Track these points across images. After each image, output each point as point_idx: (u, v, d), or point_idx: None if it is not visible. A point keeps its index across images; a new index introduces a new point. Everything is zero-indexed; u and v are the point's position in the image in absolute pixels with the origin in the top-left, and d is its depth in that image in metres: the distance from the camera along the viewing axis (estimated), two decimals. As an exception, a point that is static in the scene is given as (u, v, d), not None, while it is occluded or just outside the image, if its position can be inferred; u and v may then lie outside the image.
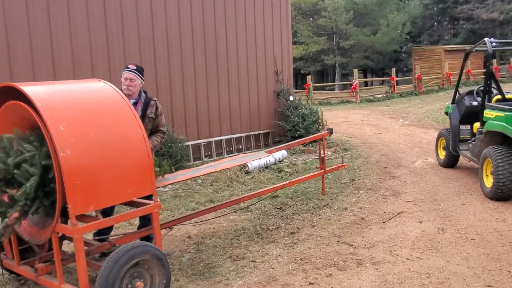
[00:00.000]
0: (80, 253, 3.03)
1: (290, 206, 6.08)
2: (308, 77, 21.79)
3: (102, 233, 4.58)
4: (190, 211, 6.10)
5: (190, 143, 9.07)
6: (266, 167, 8.52)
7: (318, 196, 6.49)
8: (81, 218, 3.29)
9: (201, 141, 9.34)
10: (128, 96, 4.39)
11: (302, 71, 33.94)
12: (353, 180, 7.36)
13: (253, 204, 6.07)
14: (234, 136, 10.03)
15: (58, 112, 3.08)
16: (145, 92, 4.54)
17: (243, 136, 10.21)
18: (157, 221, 3.47)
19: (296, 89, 22.55)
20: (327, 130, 6.44)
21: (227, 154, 9.77)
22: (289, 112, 10.83)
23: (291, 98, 10.93)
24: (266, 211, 5.93)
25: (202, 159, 9.24)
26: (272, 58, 10.92)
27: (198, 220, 5.42)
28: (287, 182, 5.76)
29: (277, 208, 6.03)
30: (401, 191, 6.59)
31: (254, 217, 5.69)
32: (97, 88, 3.51)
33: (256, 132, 10.55)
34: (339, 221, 5.39)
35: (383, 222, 5.28)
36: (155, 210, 3.46)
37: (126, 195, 3.27)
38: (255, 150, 10.39)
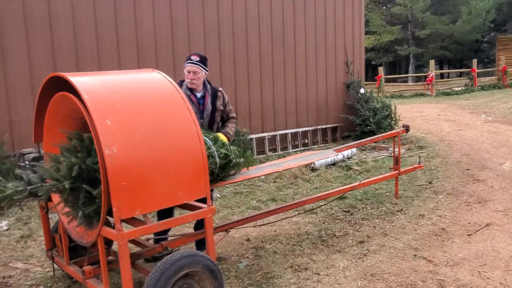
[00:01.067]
0: (125, 261, 2.74)
1: (359, 210, 5.55)
2: (380, 69, 20.73)
3: (161, 233, 4.34)
4: (251, 209, 5.76)
5: (254, 136, 8.73)
6: (334, 164, 8.00)
7: (390, 199, 5.90)
8: (130, 221, 3.01)
9: (265, 134, 8.96)
10: (194, 89, 4.10)
11: (373, 62, 32.58)
12: (430, 182, 6.66)
13: (319, 206, 5.60)
14: (300, 129, 9.56)
15: (106, 105, 2.80)
16: (209, 82, 4.23)
17: (309, 130, 9.72)
18: (210, 227, 3.12)
19: (366, 81, 21.64)
20: (403, 127, 5.81)
21: (292, 149, 9.33)
22: (359, 105, 10.19)
23: (362, 90, 10.26)
24: (333, 214, 5.44)
25: (266, 153, 8.87)
26: (343, 48, 10.29)
27: (259, 221, 5.04)
28: (356, 183, 5.24)
29: (345, 211, 5.53)
30: (487, 198, 5.82)
31: (319, 221, 5.23)
32: (150, 79, 3.21)
33: (324, 126, 10.01)
34: (415, 230, 4.79)
35: (468, 235, 4.61)
36: (209, 215, 3.11)
37: (177, 198, 2.94)
38: (321, 145, 9.87)
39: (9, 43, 6.22)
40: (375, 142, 9.40)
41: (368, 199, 5.94)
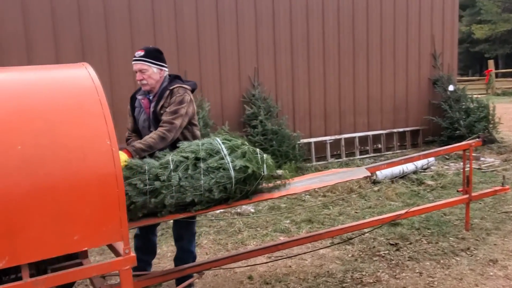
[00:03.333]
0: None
1: (410, 244, 4.29)
2: (490, 62, 18.11)
3: (141, 268, 3.57)
4: (278, 232, 4.77)
5: (313, 140, 7.65)
6: (403, 176, 6.65)
7: (458, 231, 4.53)
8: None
9: (328, 138, 7.83)
10: (149, 92, 3.28)
11: (486, 55, 29.00)
12: (522, 209, 5.10)
13: (361, 234, 4.45)
14: (371, 133, 8.26)
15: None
16: (176, 78, 3.34)
17: (383, 134, 8.36)
18: (127, 284, 2.24)
19: (472, 76, 19.00)
20: (479, 138, 4.40)
21: (360, 155, 8.08)
22: (447, 105, 8.57)
23: (451, 87, 8.61)
24: (373, 247, 4.25)
25: (327, 160, 7.74)
26: (429, 37, 8.73)
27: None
28: (402, 212, 3.99)
29: (391, 245, 4.30)
30: None
31: (352, 256, 4.09)
32: (64, 78, 2.41)
33: (401, 130, 8.57)
34: (476, 286, 3.46)
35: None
36: (124, 267, 2.24)
37: (70, 244, 2.11)
38: (398, 151, 8.45)
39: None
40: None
41: (428, 228, 4.63)
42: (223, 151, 2.91)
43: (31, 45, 5.79)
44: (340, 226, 3.63)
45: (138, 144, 2.99)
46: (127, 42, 6.34)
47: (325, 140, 7.80)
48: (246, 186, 2.93)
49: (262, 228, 4.97)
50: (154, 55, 3.21)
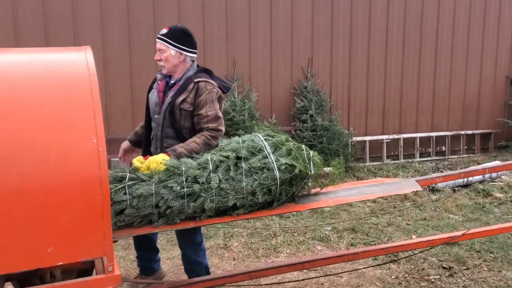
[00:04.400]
0: None
1: (467, 269, 3.70)
2: None
3: (146, 266, 3.32)
4: (316, 240, 4.34)
5: (368, 138, 7.07)
6: (466, 185, 5.94)
7: (528, 258, 3.87)
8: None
9: (385, 137, 7.20)
10: (170, 75, 2.92)
11: None
12: None
13: (411, 255, 3.91)
14: (434, 134, 7.51)
15: None
16: (205, 71, 2.92)
17: (448, 136, 7.59)
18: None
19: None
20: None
21: (420, 157, 7.38)
22: (525, 107, 7.63)
23: (531, 87, 7.65)
24: (422, 269, 3.71)
25: (383, 160, 7.13)
26: (510, 29, 7.77)
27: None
28: (458, 233, 3.39)
29: (443, 268, 3.73)
30: None
31: (395, 278, 3.57)
32: (52, 63, 2.11)
33: (470, 132, 7.74)
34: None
35: None
36: (106, 287, 1.92)
37: (41, 257, 1.82)
38: (464, 155, 7.65)
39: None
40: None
41: (490, 252, 4.00)
42: (266, 149, 2.61)
43: (78, 26, 5.67)
44: (379, 246, 3.13)
45: (179, 148, 2.67)
46: (174, 26, 6.07)
47: (382, 139, 7.18)
48: (292, 188, 2.62)
49: (299, 233, 4.55)
50: (178, 36, 2.82)
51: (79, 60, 2.11)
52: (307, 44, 6.72)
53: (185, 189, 2.41)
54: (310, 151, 2.73)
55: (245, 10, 6.34)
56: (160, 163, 2.49)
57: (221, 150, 2.62)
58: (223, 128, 2.78)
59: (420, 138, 7.40)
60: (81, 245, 1.87)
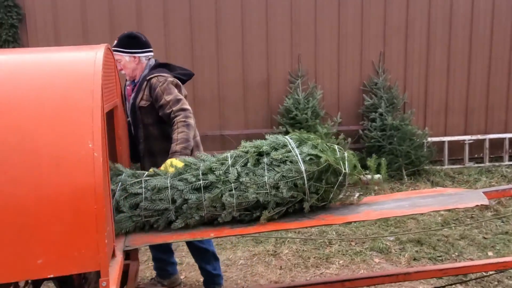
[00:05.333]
0: None
1: (551, 298, 3.13)
2: None
3: (161, 268, 3.24)
4: (375, 251, 3.96)
5: (447, 138, 6.42)
6: None
7: None
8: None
9: (467, 137, 6.50)
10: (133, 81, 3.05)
11: None
12: None
13: (485, 276, 3.39)
14: (527, 134, 6.66)
15: None
16: (161, 66, 2.99)
17: (544, 137, 6.69)
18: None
19: None
20: None
21: (508, 160, 6.58)
22: None
23: None
24: (495, 294, 3.20)
25: (464, 163, 6.44)
26: None
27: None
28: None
29: (521, 295, 3.20)
30: None
31: (460, 303, 3.11)
32: (57, 62, 2.00)
33: None
34: None
35: None
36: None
37: (31, 269, 1.70)
38: None
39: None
40: None
41: None
42: (290, 143, 2.42)
43: (142, 24, 5.73)
44: (437, 267, 2.71)
45: (175, 147, 2.65)
46: (237, 23, 5.93)
47: (464, 140, 6.48)
48: (322, 183, 2.35)
49: (358, 242, 4.20)
50: (125, 42, 2.92)
51: (87, 59, 2.00)
52: (378, 37, 6.25)
53: (201, 181, 2.27)
54: (345, 152, 2.48)
55: (311, 1, 6.02)
56: (174, 164, 2.41)
57: (241, 148, 2.49)
58: (188, 107, 2.79)
59: (510, 139, 6.59)
60: (73, 258, 1.74)
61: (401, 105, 6.16)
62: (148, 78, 2.87)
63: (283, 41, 6.02)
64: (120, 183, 2.34)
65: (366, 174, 2.54)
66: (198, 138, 3.07)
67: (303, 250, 4.05)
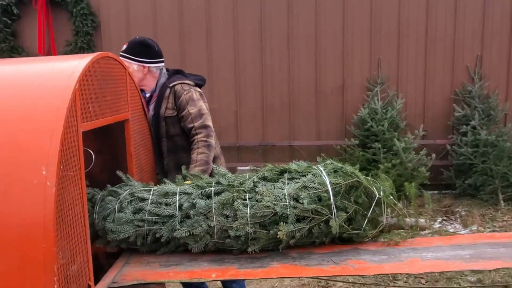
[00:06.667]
0: None
1: None
2: None
3: None
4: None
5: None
6: None
7: None
8: None
9: None
10: (143, 91, 2.77)
11: None
12: None
13: None
14: None
15: None
16: (176, 73, 2.77)
17: None
18: None
19: None
20: None
21: None
22: None
23: None
24: None
25: None
26: None
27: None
28: None
29: None
30: None
31: None
32: (36, 74, 1.77)
33: None
34: None
35: None
36: None
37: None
38: None
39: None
40: None
41: None
42: (314, 167, 2.18)
43: (211, 29, 5.55)
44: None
45: (194, 169, 2.47)
46: (311, 28, 5.50)
47: None
48: (350, 201, 2.04)
49: (430, 280, 3.56)
50: (137, 49, 2.68)
51: (62, 71, 1.77)
52: (475, 38, 5.42)
53: (212, 188, 2.07)
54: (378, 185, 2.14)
55: (394, -1, 5.40)
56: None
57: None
58: (210, 123, 2.62)
59: None
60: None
61: (500, 118, 5.26)
62: (171, 85, 2.66)
63: (361, 43, 5.47)
64: (129, 189, 2.17)
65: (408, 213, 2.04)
66: (219, 148, 2.83)
67: (360, 284, 3.53)
